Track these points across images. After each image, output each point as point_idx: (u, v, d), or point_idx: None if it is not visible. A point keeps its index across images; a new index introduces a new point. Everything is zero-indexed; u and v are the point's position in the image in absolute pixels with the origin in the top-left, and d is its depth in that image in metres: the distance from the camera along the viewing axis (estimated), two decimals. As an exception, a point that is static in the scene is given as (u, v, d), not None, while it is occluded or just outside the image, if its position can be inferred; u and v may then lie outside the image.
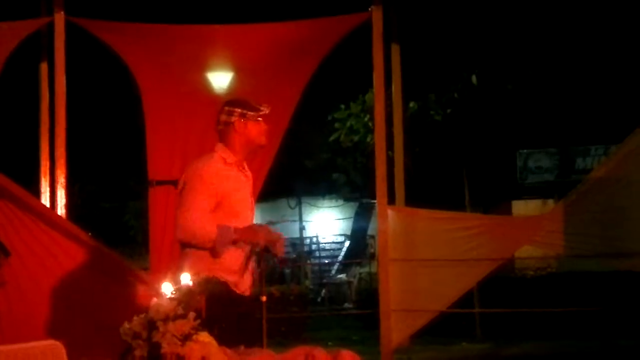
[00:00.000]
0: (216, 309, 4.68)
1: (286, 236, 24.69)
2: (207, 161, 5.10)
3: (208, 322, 4.59)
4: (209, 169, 5.01)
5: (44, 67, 9.04)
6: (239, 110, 5.12)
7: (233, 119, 5.11)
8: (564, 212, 9.91)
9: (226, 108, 5.20)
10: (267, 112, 5.15)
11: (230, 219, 4.97)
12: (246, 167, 5.25)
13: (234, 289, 4.96)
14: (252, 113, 5.10)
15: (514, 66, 15.68)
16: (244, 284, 5.07)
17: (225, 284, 4.91)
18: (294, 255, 25.25)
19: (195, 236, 4.90)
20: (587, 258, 10.46)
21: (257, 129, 5.14)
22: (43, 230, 7.57)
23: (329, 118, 15.76)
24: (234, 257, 5.00)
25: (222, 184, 4.97)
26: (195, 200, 4.90)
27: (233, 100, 5.28)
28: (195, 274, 4.81)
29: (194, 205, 4.89)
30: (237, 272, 5.00)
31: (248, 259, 5.03)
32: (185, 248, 5.07)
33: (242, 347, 4.10)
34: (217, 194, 4.94)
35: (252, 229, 4.96)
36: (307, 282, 22.05)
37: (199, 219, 4.88)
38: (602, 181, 9.85)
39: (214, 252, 4.87)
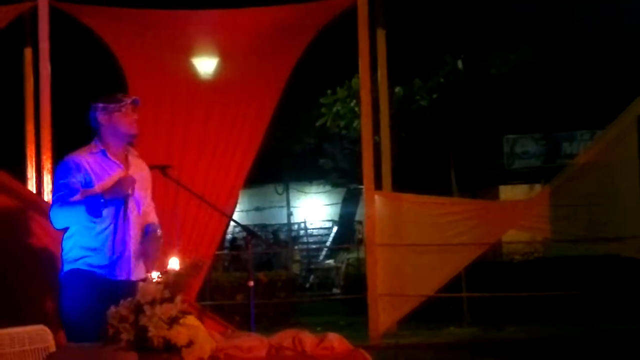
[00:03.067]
0: (85, 301, 4.91)
1: (273, 222, 24.39)
2: (74, 152, 5.30)
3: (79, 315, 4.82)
4: (72, 158, 5.21)
5: (28, 52, 9.01)
6: (101, 105, 5.28)
7: (97, 114, 5.28)
8: (550, 197, 9.96)
9: (92, 105, 5.38)
10: (129, 102, 5.24)
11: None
12: (132, 158, 5.32)
13: (107, 275, 5.08)
14: (113, 105, 5.24)
15: (500, 51, 15.67)
16: (122, 269, 5.15)
17: (92, 274, 5.03)
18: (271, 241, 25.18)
19: (70, 215, 5.09)
20: (573, 242, 10.50)
21: (124, 120, 5.27)
22: (30, 217, 7.53)
23: (320, 101, 15.70)
24: (104, 243, 5.12)
25: (83, 170, 5.15)
26: (61, 190, 5.12)
27: (97, 98, 5.41)
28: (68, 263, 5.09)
29: (61, 194, 5.11)
30: (109, 256, 5.11)
31: (125, 242, 5.14)
32: (65, 234, 5.24)
33: (229, 331, 4.11)
34: (81, 180, 5.12)
35: (117, 183, 5.10)
36: (295, 267, 22.06)
37: (66, 202, 5.07)
38: (587, 166, 9.90)
39: (94, 216, 5.03)
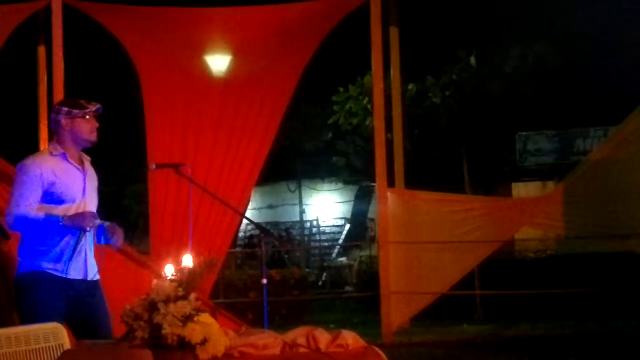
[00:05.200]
0: (42, 301, 5.05)
1: (286, 219, 24.60)
2: (35, 154, 5.40)
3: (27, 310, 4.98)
4: (34, 161, 5.27)
5: (41, 50, 9.02)
6: (66, 109, 5.29)
7: (60, 117, 5.29)
8: (563, 194, 9.94)
9: (55, 107, 5.42)
10: (93, 109, 5.27)
11: (59, 205, 5.19)
12: (86, 163, 5.39)
13: (62, 274, 5.16)
14: (77, 111, 5.25)
15: (512, 48, 15.65)
16: (76, 269, 5.21)
17: (46, 275, 5.14)
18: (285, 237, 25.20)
19: (27, 226, 5.16)
20: (586, 239, 10.47)
21: (86, 127, 5.29)
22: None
23: (333, 99, 15.71)
24: (59, 245, 5.20)
25: (46, 172, 5.19)
26: (23, 193, 5.17)
27: (62, 100, 5.46)
28: (22, 265, 5.19)
29: (22, 197, 5.16)
30: (64, 257, 5.20)
31: (78, 243, 5.20)
32: (21, 237, 5.31)
33: (243, 328, 4.11)
34: (43, 183, 5.16)
35: (80, 215, 5.17)
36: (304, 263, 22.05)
37: (27, 212, 5.13)
38: (601, 163, 9.87)
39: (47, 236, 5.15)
